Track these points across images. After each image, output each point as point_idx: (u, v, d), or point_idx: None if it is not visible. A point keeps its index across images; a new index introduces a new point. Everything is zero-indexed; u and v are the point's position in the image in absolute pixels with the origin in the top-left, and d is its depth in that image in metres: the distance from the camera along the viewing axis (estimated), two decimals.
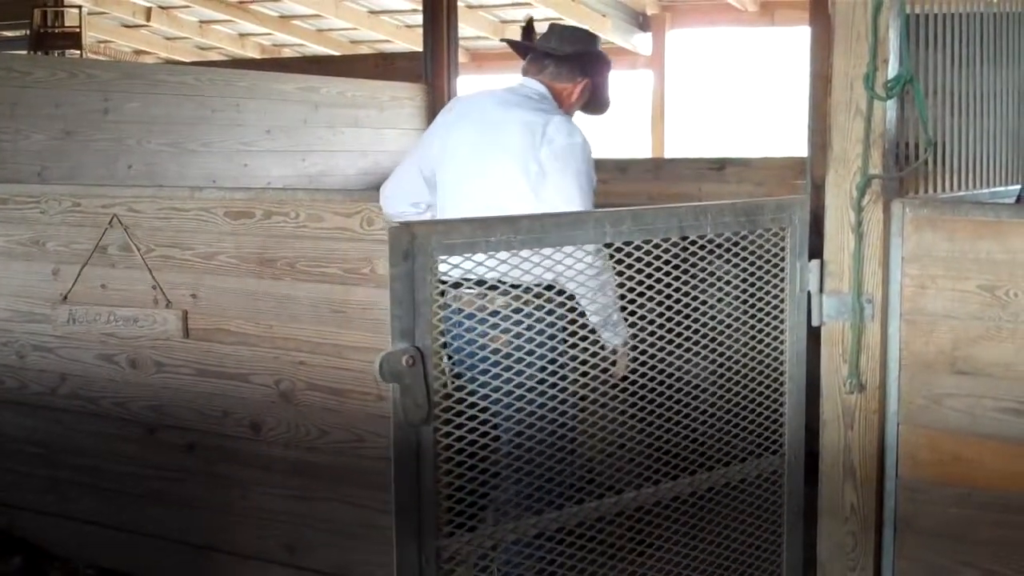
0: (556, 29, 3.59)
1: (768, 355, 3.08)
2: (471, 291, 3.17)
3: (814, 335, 3.11)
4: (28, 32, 9.62)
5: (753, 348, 3.07)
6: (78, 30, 9.75)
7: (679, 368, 2.96)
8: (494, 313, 3.09)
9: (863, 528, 3.05)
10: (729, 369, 3.04)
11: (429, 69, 7.06)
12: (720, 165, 6.23)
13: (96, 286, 4.20)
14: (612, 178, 6.33)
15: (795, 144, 6.01)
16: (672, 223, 2.85)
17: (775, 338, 3.07)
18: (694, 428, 2.99)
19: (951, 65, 3.37)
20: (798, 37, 11.07)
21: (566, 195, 3.28)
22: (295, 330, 3.84)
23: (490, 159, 3.38)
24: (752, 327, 3.07)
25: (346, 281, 3.71)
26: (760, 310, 3.06)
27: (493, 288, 3.09)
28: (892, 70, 2.95)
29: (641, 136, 11.61)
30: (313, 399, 3.84)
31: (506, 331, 2.94)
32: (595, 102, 3.62)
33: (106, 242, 4.14)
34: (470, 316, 3.20)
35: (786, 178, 5.91)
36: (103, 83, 5.17)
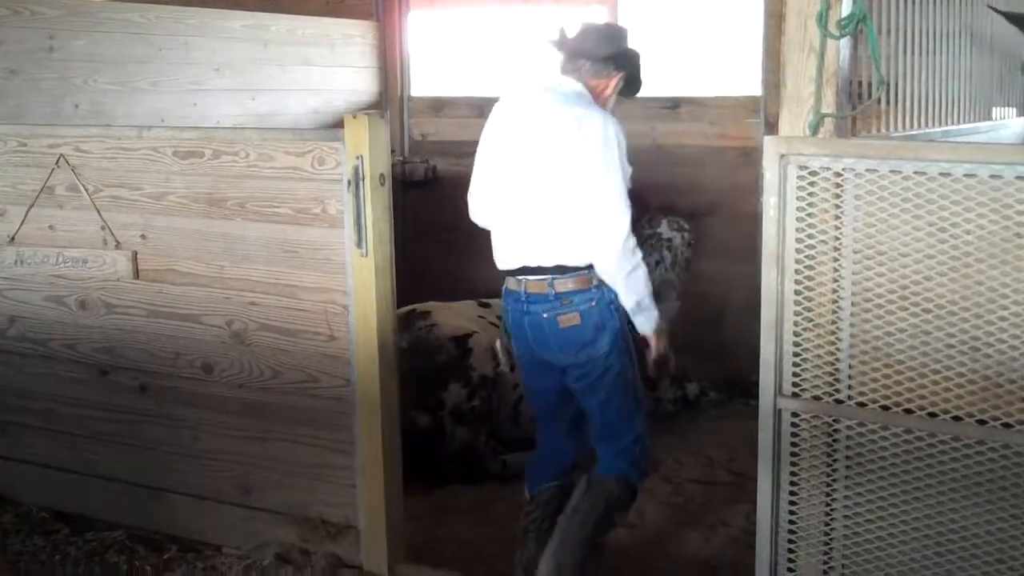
0: (591, 30, 3.72)
1: None
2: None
3: None
4: None
5: None
6: None
7: None
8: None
9: None
10: None
11: (380, 6, 6.96)
12: (674, 104, 6.20)
13: (44, 227, 4.14)
14: None
15: (749, 83, 5.98)
16: None
17: None
18: None
19: (904, 3, 3.37)
20: None
21: (602, 180, 3.43)
22: (246, 271, 3.81)
23: (530, 157, 3.53)
24: None
25: (297, 221, 3.69)
26: None
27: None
28: (845, 8, 2.95)
29: None
30: (266, 339, 3.83)
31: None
32: (629, 88, 3.78)
33: (53, 182, 4.08)
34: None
35: (740, 117, 5.92)
36: (48, 20, 5.05)
